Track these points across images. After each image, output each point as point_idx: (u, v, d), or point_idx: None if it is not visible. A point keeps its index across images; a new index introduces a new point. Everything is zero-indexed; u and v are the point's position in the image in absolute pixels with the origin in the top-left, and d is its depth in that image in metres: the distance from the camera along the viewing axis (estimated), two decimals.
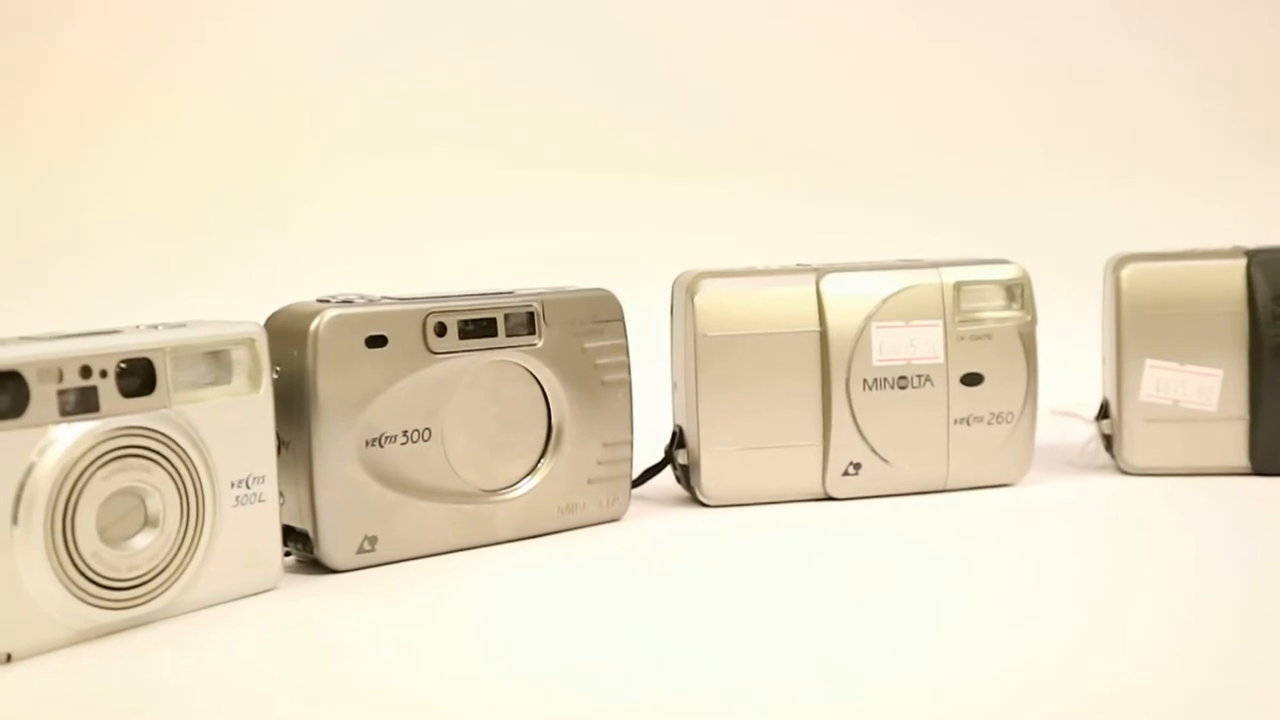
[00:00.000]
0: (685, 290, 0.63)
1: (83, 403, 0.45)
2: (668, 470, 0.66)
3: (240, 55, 1.08)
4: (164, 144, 1.06)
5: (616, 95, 1.09)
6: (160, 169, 1.06)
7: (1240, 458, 0.66)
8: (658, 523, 0.62)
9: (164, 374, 0.47)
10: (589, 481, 0.60)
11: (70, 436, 0.44)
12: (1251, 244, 0.67)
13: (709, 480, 0.63)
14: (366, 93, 1.09)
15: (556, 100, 1.09)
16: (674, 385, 0.65)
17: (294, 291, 0.57)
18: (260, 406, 0.50)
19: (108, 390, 0.46)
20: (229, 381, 0.49)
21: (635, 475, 0.65)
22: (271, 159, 1.06)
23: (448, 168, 1.06)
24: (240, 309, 0.54)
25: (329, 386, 0.52)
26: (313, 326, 0.52)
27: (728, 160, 1.07)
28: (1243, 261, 0.66)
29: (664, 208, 1.06)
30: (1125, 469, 0.68)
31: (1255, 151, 1.07)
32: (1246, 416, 0.66)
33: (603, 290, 0.61)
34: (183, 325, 0.49)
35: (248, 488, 0.50)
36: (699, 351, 0.63)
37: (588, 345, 0.60)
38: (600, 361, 0.60)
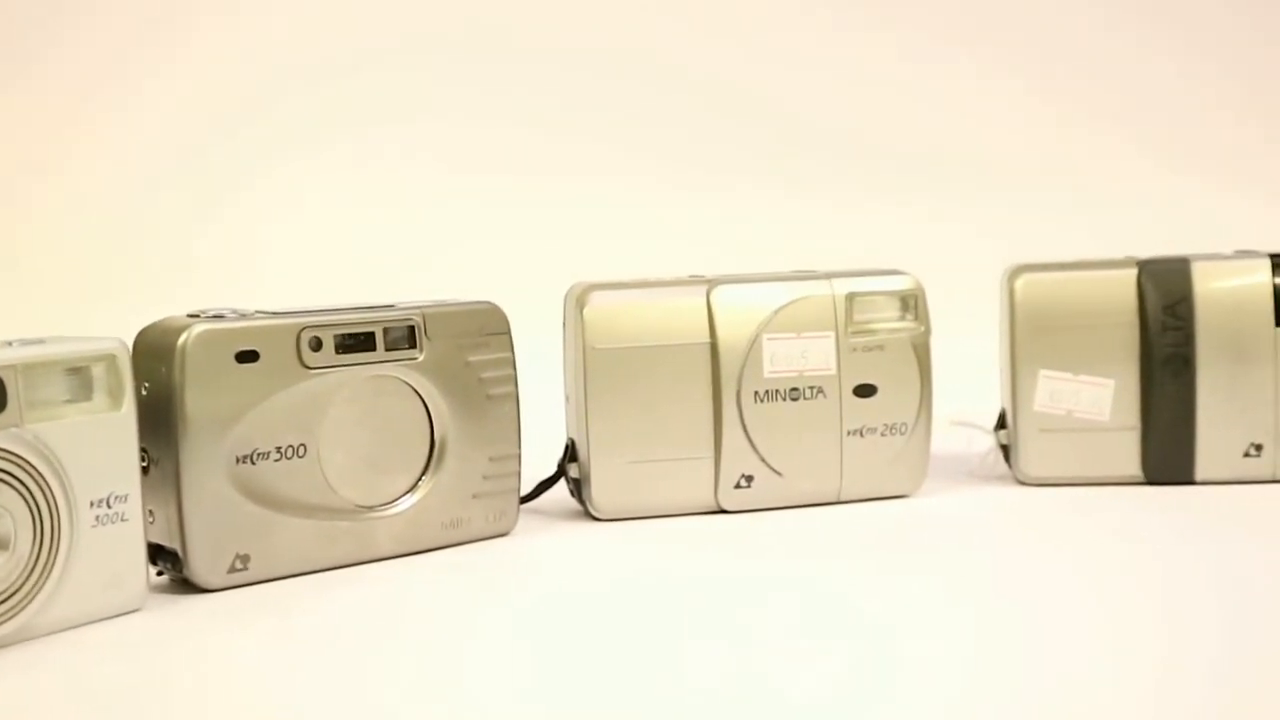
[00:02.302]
0: (575, 303, 0.63)
1: None
2: (563, 484, 0.65)
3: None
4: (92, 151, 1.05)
5: (550, 100, 1.08)
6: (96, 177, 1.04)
7: (1133, 467, 0.66)
8: (546, 537, 0.61)
9: (15, 391, 0.46)
10: (474, 496, 0.59)
11: None
12: (1146, 254, 0.67)
13: (599, 494, 0.63)
14: (295, 104, 1.07)
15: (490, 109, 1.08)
16: (566, 398, 0.65)
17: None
18: (122, 424, 0.49)
19: None
20: (89, 399, 0.48)
21: (529, 489, 0.64)
22: (185, 172, 1.04)
23: (371, 177, 1.05)
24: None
25: (197, 403, 0.51)
26: (180, 342, 0.51)
27: (660, 165, 1.07)
28: (1134, 272, 0.66)
29: (601, 214, 1.05)
30: (1021, 479, 0.68)
31: (1159, 161, 1.07)
32: (1138, 426, 0.66)
33: (488, 303, 0.60)
34: (40, 341, 0.48)
35: (109, 507, 0.49)
36: (588, 364, 0.62)
37: (472, 359, 0.59)
38: (485, 375, 0.59)
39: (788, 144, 1.07)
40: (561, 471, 0.65)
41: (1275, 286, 0.65)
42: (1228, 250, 0.67)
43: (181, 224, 1.02)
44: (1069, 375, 0.66)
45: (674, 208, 1.03)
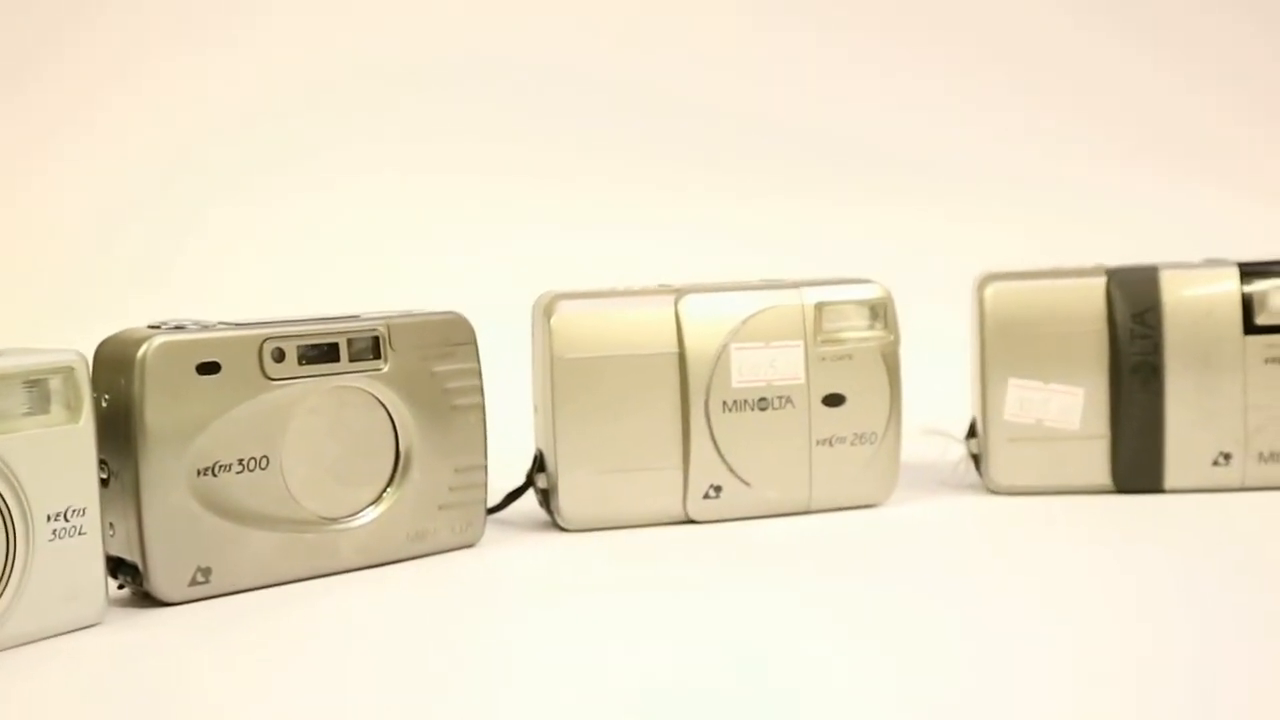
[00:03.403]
0: (542, 312, 0.63)
1: None
2: (532, 495, 0.65)
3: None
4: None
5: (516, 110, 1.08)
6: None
7: (1103, 476, 0.66)
8: (512, 549, 0.61)
9: None
10: (440, 507, 0.59)
11: None
12: (1115, 262, 0.67)
13: (567, 505, 0.63)
14: (260, 118, 1.07)
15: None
16: (535, 408, 0.65)
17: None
18: (80, 437, 0.49)
19: None
20: (46, 411, 0.48)
21: (498, 500, 0.64)
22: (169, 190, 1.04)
23: (337, 188, 1.05)
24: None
25: (157, 415, 0.51)
26: (140, 354, 0.51)
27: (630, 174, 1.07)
28: (1103, 280, 0.66)
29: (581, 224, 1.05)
30: (991, 488, 0.67)
31: (1128, 168, 1.08)
32: (1108, 435, 0.66)
33: (453, 313, 0.60)
34: None
35: (66, 520, 0.48)
36: (555, 374, 0.62)
37: (437, 369, 0.59)
38: (451, 385, 0.59)
39: (756, 154, 1.07)
40: (530, 482, 0.64)
41: (1243, 294, 0.65)
42: (1196, 258, 0.67)
43: (147, 236, 1.01)
44: (1038, 384, 0.66)
45: (643, 217, 1.03)
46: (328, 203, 1.03)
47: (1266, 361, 0.64)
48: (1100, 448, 0.66)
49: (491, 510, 0.63)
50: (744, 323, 0.63)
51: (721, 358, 0.63)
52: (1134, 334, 0.65)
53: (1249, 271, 0.65)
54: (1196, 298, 0.65)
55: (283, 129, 1.03)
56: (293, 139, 1.04)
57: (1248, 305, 0.64)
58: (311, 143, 1.04)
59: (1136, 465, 0.65)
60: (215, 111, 1.04)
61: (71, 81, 1.03)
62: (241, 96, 1.04)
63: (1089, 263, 0.68)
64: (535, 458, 0.64)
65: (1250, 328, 0.64)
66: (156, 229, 1.01)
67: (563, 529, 0.63)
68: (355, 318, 0.57)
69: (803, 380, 0.64)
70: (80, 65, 1.03)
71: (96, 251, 1.01)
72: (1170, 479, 0.65)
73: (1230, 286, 0.65)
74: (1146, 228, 1.02)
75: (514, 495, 0.65)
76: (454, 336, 0.59)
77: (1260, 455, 0.65)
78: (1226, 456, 0.65)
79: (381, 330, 0.57)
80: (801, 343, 0.64)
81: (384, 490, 0.58)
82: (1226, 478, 0.65)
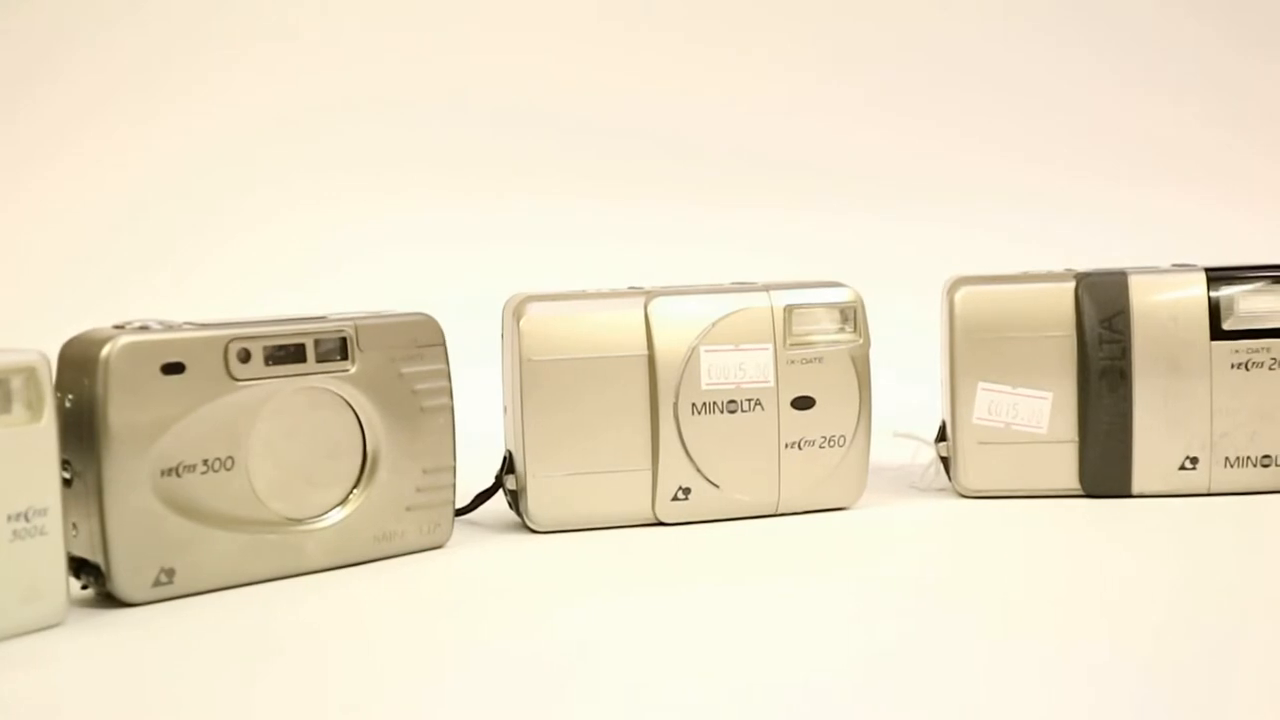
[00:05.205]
0: (512, 314, 0.63)
1: None
2: (502, 496, 0.65)
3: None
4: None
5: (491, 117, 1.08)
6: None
7: (1071, 479, 0.66)
8: (480, 550, 0.61)
9: None
10: (408, 509, 0.59)
11: None
12: (1084, 266, 0.67)
13: (536, 506, 0.63)
14: (227, 118, 1.06)
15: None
16: (505, 410, 0.65)
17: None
18: (42, 437, 0.49)
19: None
20: (8, 411, 0.48)
21: (468, 501, 0.64)
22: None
23: (306, 190, 1.04)
24: None
25: (120, 415, 0.51)
26: (103, 354, 0.51)
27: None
28: (1072, 284, 0.66)
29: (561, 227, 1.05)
30: (961, 491, 0.68)
31: (1098, 173, 1.08)
32: (1076, 439, 0.66)
33: (422, 314, 0.60)
34: None
35: (27, 520, 0.48)
36: (524, 376, 0.62)
37: (406, 370, 0.59)
38: (419, 387, 0.59)
39: (727, 158, 1.07)
40: (499, 483, 0.64)
41: (1210, 299, 0.65)
42: (1165, 263, 0.67)
43: (115, 236, 1.01)
44: (1007, 388, 0.66)
45: (615, 220, 1.02)
46: (304, 217, 1.03)
47: (1233, 366, 0.64)
48: (1069, 452, 0.66)
49: (461, 511, 0.63)
50: (713, 325, 0.63)
51: (691, 360, 0.63)
52: (1102, 338, 0.65)
53: (1216, 277, 0.65)
54: (1164, 303, 0.65)
55: (249, 129, 1.04)
56: (267, 159, 1.04)
57: (1215, 310, 0.65)
58: (285, 162, 1.04)
59: (1104, 469, 0.66)
60: (192, 130, 1.04)
61: (46, 106, 1.03)
62: (205, 96, 1.04)
63: (1058, 267, 0.68)
64: (505, 459, 0.64)
65: (1217, 333, 0.65)
66: (129, 236, 1.01)
67: (532, 530, 0.63)
68: (323, 318, 0.57)
69: (772, 383, 0.64)
70: (56, 87, 1.03)
71: (57, 252, 1.01)
72: (1138, 483, 0.65)
73: (1198, 292, 0.65)
74: (1115, 233, 1.02)
75: (483, 496, 0.65)
76: (423, 338, 0.59)
77: (1227, 460, 0.65)
78: (1193, 461, 0.65)
79: (349, 331, 0.57)
80: (771, 345, 0.64)
81: (351, 491, 0.58)
82: (1193, 482, 0.65)
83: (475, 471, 0.64)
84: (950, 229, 1.03)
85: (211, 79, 1.04)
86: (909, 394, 0.76)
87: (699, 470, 0.63)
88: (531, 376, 0.62)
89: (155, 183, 1.03)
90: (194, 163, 1.03)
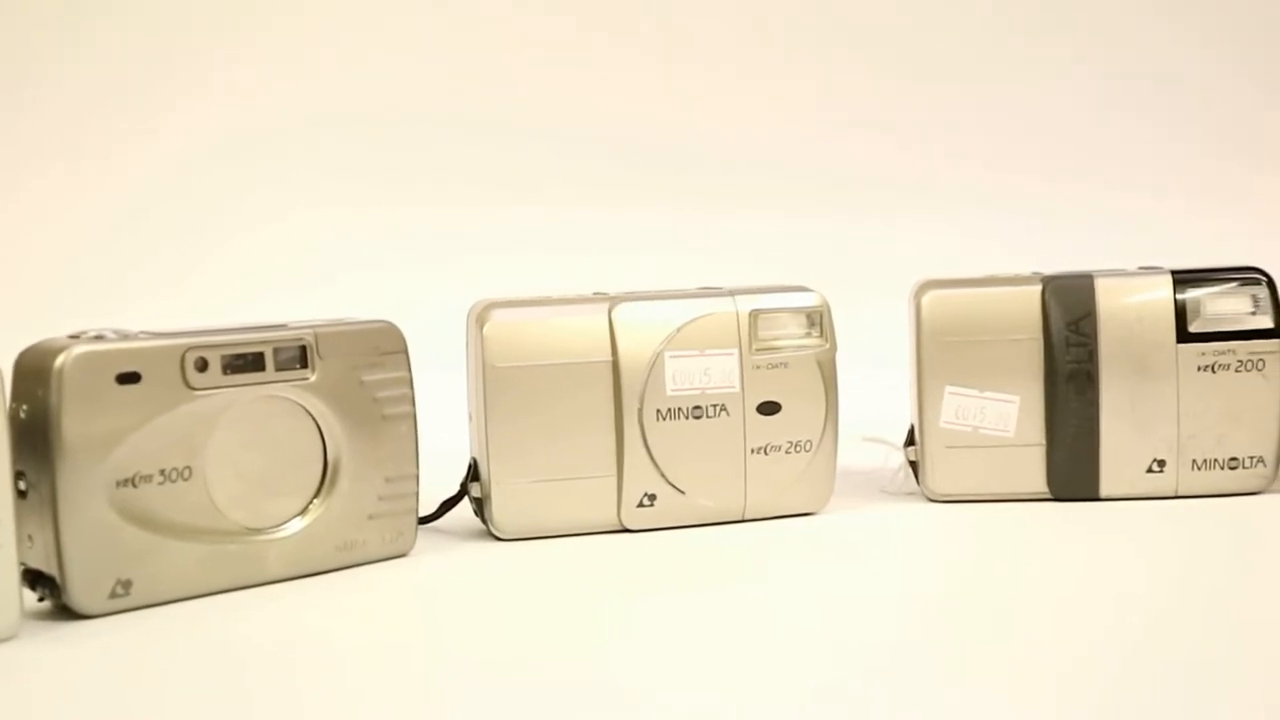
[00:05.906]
0: (475, 320, 0.62)
1: None
2: (468, 504, 0.64)
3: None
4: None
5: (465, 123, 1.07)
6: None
7: (1039, 483, 0.66)
8: (444, 558, 0.61)
9: None
10: (370, 517, 0.59)
11: None
12: (1051, 269, 0.67)
13: (500, 513, 0.62)
14: (192, 123, 1.06)
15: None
16: (470, 417, 0.64)
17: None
18: None
19: None
20: None
21: (433, 509, 0.64)
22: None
23: (270, 198, 1.04)
24: None
25: (75, 425, 0.50)
26: (57, 363, 0.50)
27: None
28: (1038, 288, 0.66)
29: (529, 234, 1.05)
30: (929, 496, 0.67)
31: (1065, 176, 1.08)
32: (1043, 442, 0.66)
33: (383, 322, 0.59)
34: None
35: None
36: (488, 383, 0.61)
37: (367, 378, 0.58)
38: (381, 395, 0.59)
39: (692, 163, 1.06)
40: (464, 491, 0.64)
41: (1177, 302, 0.65)
42: (1131, 266, 0.67)
43: (76, 245, 1.01)
44: (974, 391, 0.66)
45: (580, 227, 1.02)
46: (271, 229, 1.03)
47: (1200, 369, 0.64)
48: (1036, 455, 0.66)
49: (426, 519, 0.62)
50: (678, 331, 0.63)
51: (655, 366, 0.63)
52: (1069, 342, 0.65)
53: (1182, 279, 0.65)
54: (1131, 306, 0.65)
55: (215, 137, 1.03)
56: (224, 145, 1.03)
57: (1181, 313, 0.65)
58: (241, 150, 1.03)
59: (1072, 473, 0.65)
60: (165, 142, 1.03)
61: (30, 112, 1.02)
62: (171, 104, 1.04)
63: (1025, 270, 0.68)
64: (469, 466, 0.64)
65: (1183, 335, 0.64)
66: (79, 237, 1.01)
67: (497, 538, 0.63)
68: (283, 326, 0.57)
69: (738, 388, 0.63)
70: (43, 94, 1.03)
71: (65, 257, 1.01)
72: (1105, 486, 0.65)
73: (1164, 294, 0.65)
74: (1081, 236, 1.02)
75: (448, 504, 0.64)
76: (384, 345, 0.59)
77: (1194, 463, 0.65)
78: (1161, 464, 0.65)
79: (309, 339, 0.57)
80: (736, 350, 0.64)
81: (311, 500, 0.57)
82: (1161, 485, 0.65)
83: (441, 479, 0.64)
84: (916, 232, 1.03)
85: (179, 101, 1.04)
86: (878, 398, 0.76)
87: (664, 476, 0.63)
88: (495, 383, 0.61)
89: (141, 190, 1.03)
90: (168, 177, 1.03)
